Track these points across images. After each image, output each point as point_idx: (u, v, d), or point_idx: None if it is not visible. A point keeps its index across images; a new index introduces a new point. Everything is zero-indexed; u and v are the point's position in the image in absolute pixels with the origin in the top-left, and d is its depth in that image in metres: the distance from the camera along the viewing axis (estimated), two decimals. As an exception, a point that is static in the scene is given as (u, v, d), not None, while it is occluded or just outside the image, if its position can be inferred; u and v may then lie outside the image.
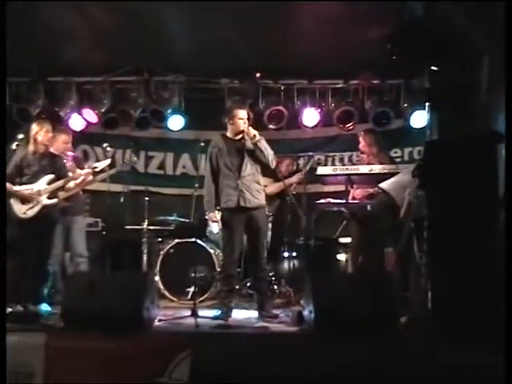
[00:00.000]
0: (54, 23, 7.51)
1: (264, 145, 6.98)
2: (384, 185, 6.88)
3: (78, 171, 7.53)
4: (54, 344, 5.31)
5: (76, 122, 9.29)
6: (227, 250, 7.10)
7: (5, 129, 6.59)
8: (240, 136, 7.07)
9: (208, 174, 7.17)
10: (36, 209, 7.13)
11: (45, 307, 6.99)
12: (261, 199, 7.08)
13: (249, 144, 6.99)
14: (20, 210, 7.13)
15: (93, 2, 7.09)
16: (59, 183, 7.23)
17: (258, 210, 7.04)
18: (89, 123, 9.38)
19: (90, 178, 7.67)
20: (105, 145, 8.70)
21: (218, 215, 7.29)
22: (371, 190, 7.55)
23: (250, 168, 7.02)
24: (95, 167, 7.58)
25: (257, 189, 7.05)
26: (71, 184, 7.38)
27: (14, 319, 6.21)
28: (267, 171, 7.41)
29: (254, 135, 6.91)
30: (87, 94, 9.26)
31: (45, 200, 7.14)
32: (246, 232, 7.14)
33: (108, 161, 7.85)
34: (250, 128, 7.01)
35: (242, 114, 7.08)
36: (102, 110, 9.28)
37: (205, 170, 7.36)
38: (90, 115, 9.27)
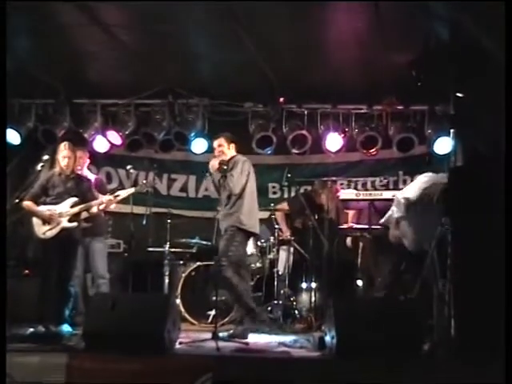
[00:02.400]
0: (80, 45, 7.58)
1: (238, 173, 7.26)
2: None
3: (101, 197, 7.50)
4: (75, 365, 5.30)
5: (100, 144, 9.34)
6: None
7: (5, 129, 6.60)
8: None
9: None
10: (55, 231, 7.16)
11: (66, 328, 7.00)
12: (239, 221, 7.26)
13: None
14: (40, 230, 7.18)
15: (118, 24, 7.13)
16: (81, 207, 7.25)
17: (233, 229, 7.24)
18: (113, 145, 9.42)
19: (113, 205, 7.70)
20: (128, 167, 8.76)
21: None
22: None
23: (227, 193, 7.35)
24: (118, 195, 7.58)
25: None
26: (94, 209, 7.40)
27: (35, 339, 6.24)
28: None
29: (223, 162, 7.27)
30: (112, 116, 9.32)
31: (65, 222, 7.17)
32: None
33: (132, 189, 7.86)
34: (213, 160, 7.39)
35: (215, 143, 7.52)
36: (127, 132, 9.32)
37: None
38: (115, 137, 9.31)
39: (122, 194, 7.66)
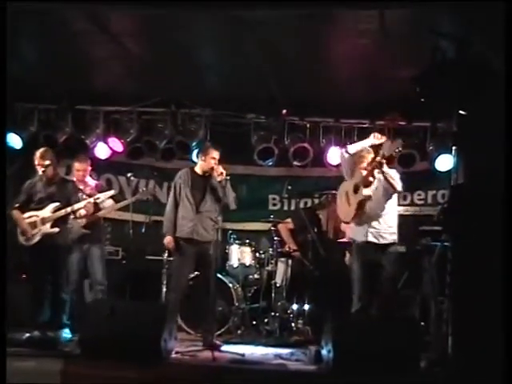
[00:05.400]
0: (85, 52, 7.60)
1: (228, 185, 7.33)
2: None
3: (83, 201, 7.49)
4: (70, 371, 5.30)
5: (101, 151, 9.33)
6: (174, 279, 7.47)
7: (5, 129, 6.60)
8: (207, 174, 7.43)
9: (170, 202, 7.50)
10: (37, 237, 7.16)
11: (66, 334, 6.98)
12: (212, 235, 7.34)
13: (213, 182, 7.36)
14: (22, 237, 7.19)
15: (124, 33, 7.15)
16: (62, 212, 7.22)
17: (208, 244, 7.34)
18: (114, 152, 9.41)
19: (110, 204, 7.69)
20: (129, 174, 8.76)
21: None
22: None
23: (209, 205, 7.38)
24: (97, 198, 7.57)
25: (211, 225, 7.37)
26: (82, 212, 7.38)
27: (31, 345, 6.23)
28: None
29: (222, 172, 7.23)
30: (114, 123, 9.31)
31: (47, 228, 7.16)
32: (197, 264, 7.44)
33: (111, 192, 7.88)
34: (220, 167, 7.33)
35: (215, 154, 7.42)
36: (128, 140, 9.30)
37: (168, 198, 7.68)
38: (116, 144, 9.31)
39: (102, 196, 7.65)
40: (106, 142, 9.30)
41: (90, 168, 8.17)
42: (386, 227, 7.03)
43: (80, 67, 7.99)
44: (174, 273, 7.51)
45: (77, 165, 7.99)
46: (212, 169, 7.31)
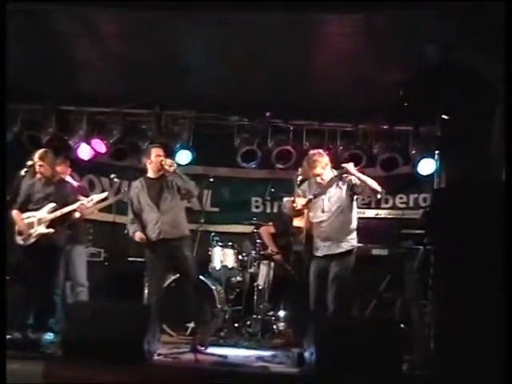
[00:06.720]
0: (71, 53, 7.58)
1: (182, 173, 7.35)
2: None
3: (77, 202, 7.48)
4: (52, 373, 5.26)
5: (84, 152, 9.28)
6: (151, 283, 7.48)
7: (5, 129, 6.57)
8: (160, 174, 7.41)
9: (130, 218, 7.47)
10: (34, 237, 7.15)
11: (49, 336, 6.95)
12: (183, 230, 7.39)
13: (168, 178, 7.34)
14: (18, 237, 7.17)
15: (110, 35, 7.14)
16: (57, 213, 7.22)
17: (180, 240, 7.32)
18: (97, 153, 9.38)
19: (92, 207, 7.67)
20: (112, 176, 8.72)
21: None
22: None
23: (169, 201, 7.33)
24: (91, 199, 7.55)
25: (178, 221, 7.37)
26: (77, 215, 7.37)
27: (13, 346, 6.18)
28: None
29: (171, 163, 7.23)
30: (98, 124, 9.27)
31: (42, 229, 7.15)
32: (171, 263, 7.47)
33: (105, 194, 7.88)
34: (168, 159, 7.35)
35: (159, 151, 7.46)
36: (111, 141, 9.27)
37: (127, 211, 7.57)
38: (99, 145, 9.27)
39: (96, 197, 7.63)
40: (89, 143, 9.26)
41: (69, 169, 8.14)
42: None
43: (64, 68, 7.97)
44: (150, 276, 7.51)
45: (59, 168, 7.94)
46: (161, 165, 7.29)
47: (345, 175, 6.94)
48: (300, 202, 7.03)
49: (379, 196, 7.00)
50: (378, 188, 6.86)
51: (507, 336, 4.68)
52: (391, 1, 5.61)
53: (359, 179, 6.85)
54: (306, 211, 7.05)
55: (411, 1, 5.52)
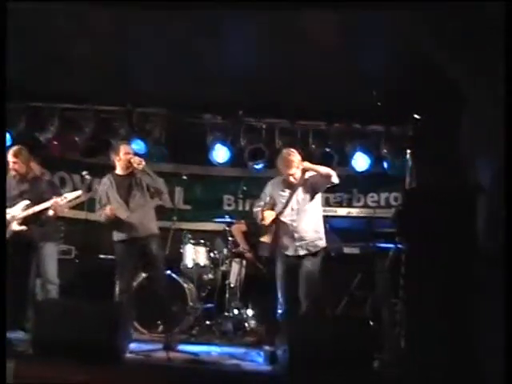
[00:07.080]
0: (39, 48, 7.51)
1: (150, 171, 7.29)
2: None
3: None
4: (22, 371, 5.21)
5: (55, 148, 9.20)
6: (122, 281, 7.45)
7: (5, 129, 6.51)
8: (129, 171, 7.36)
9: (98, 210, 7.45)
10: (7, 235, 7.05)
11: (19, 334, 6.89)
12: (152, 228, 7.38)
13: (137, 176, 7.30)
14: None
15: (82, 30, 7.09)
16: (30, 211, 7.17)
17: (151, 238, 7.32)
18: (68, 150, 9.30)
19: (65, 205, 7.61)
20: (84, 173, 8.64)
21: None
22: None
23: (138, 199, 7.30)
24: (65, 197, 7.50)
25: (148, 218, 7.35)
26: (50, 212, 7.31)
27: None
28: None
29: (140, 161, 7.16)
30: (69, 121, 9.17)
31: (14, 226, 7.10)
32: (141, 261, 7.50)
33: (78, 192, 7.80)
34: (136, 157, 7.28)
35: (128, 148, 7.47)
36: (83, 138, 9.20)
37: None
38: (70, 142, 9.19)
39: (69, 196, 7.57)
40: (60, 140, 9.18)
41: (37, 167, 8.07)
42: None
43: (35, 64, 7.89)
44: (121, 274, 7.47)
45: None
46: (130, 163, 7.24)
47: (308, 175, 6.96)
48: (269, 218, 7.05)
49: (335, 181, 6.93)
50: (332, 172, 6.85)
51: (477, 334, 4.73)
52: (389, 1, 5.61)
53: (313, 170, 6.88)
54: (275, 209, 7.06)
55: (411, 1, 5.53)
